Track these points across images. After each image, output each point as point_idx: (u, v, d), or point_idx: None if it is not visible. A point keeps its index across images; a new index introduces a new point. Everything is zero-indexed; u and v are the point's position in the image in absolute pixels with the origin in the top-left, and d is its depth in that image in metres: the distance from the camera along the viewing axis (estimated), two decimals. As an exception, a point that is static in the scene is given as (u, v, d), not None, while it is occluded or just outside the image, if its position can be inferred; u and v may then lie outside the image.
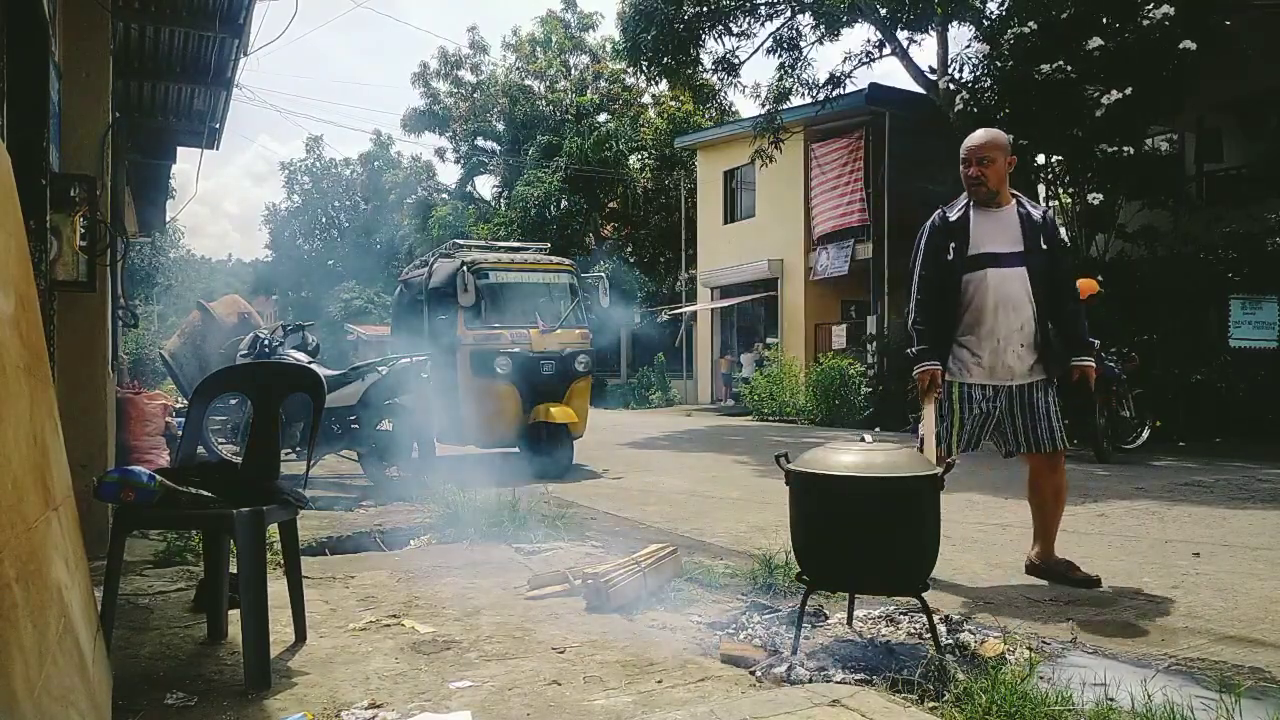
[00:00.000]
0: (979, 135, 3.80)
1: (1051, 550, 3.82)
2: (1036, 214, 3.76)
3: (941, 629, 2.83)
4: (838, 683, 2.44)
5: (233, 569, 2.91)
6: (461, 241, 10.13)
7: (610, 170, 28.08)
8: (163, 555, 4.19)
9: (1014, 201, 3.78)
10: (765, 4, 14.92)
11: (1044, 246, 3.69)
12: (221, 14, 5.51)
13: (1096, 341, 3.73)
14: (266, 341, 7.74)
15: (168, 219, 13.12)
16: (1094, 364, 3.80)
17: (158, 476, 2.49)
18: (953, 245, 3.73)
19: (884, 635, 2.91)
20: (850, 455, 2.64)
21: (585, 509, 5.88)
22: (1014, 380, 3.67)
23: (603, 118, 30.59)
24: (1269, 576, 3.90)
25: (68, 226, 3.96)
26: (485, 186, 35.76)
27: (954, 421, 3.70)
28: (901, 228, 17.53)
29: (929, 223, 3.88)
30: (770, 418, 16.69)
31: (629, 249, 28.94)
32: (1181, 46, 10.27)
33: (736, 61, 15.47)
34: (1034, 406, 3.66)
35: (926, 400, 3.65)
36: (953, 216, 3.79)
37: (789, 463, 2.75)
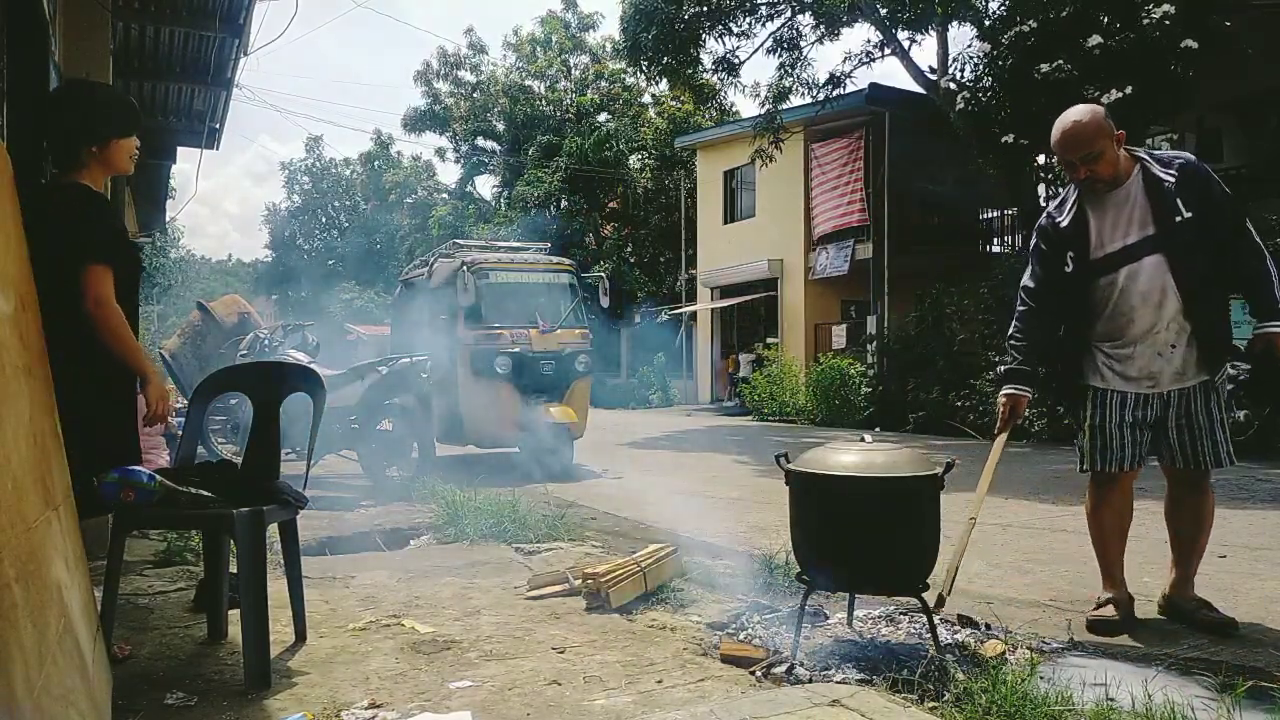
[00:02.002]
0: (1075, 128, 3.02)
1: (1187, 584, 3.17)
2: (1169, 176, 3.01)
3: (941, 629, 2.83)
4: (838, 683, 2.44)
5: (233, 569, 2.91)
6: (461, 241, 10.13)
7: (610, 170, 28.08)
8: (163, 555, 4.19)
9: (1137, 168, 3.07)
10: (765, 4, 14.92)
11: (1188, 213, 2.95)
12: (221, 14, 5.53)
13: None
14: (266, 341, 7.75)
15: (168, 219, 13.14)
16: None
17: (158, 476, 2.49)
18: (1071, 255, 3.12)
19: (884, 635, 2.91)
20: (850, 455, 2.64)
21: (585, 509, 5.88)
22: (1162, 387, 3.05)
23: (603, 118, 30.61)
24: (1269, 576, 3.90)
25: (68, 226, 3.95)
26: (485, 186, 35.80)
27: (1086, 429, 3.16)
28: (901, 228, 17.59)
29: (1036, 226, 3.32)
30: (770, 418, 16.69)
31: (629, 249, 28.94)
32: (1183, 46, 10.28)
33: (736, 61, 15.47)
34: (1193, 416, 3.03)
35: (1001, 428, 3.24)
36: (1064, 221, 3.15)
37: (789, 463, 2.75)
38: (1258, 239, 3.01)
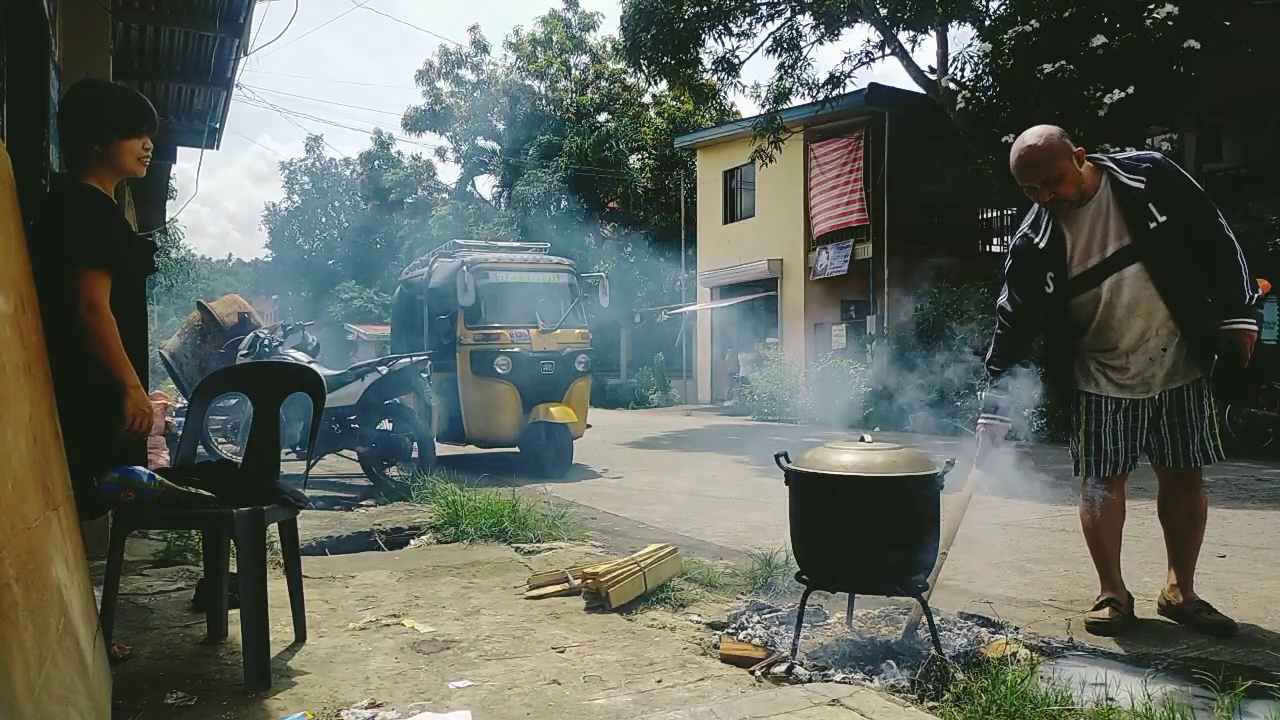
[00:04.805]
0: (1030, 153, 2.96)
1: (1187, 586, 3.15)
2: (1138, 182, 2.95)
3: (941, 628, 2.83)
4: (837, 683, 2.44)
5: (233, 569, 2.91)
6: (461, 241, 10.13)
7: (610, 170, 28.07)
8: (163, 555, 4.19)
9: (1104, 179, 3.02)
10: (765, 4, 14.92)
11: (1162, 217, 2.91)
12: (221, 14, 5.53)
13: (1256, 293, 2.91)
14: (266, 341, 7.74)
15: (168, 219, 13.14)
16: (1252, 328, 2.91)
17: (158, 476, 2.49)
18: (1051, 276, 3.06)
19: (884, 635, 2.91)
20: (850, 455, 2.64)
21: (585, 509, 5.88)
22: (1155, 390, 3.03)
23: (603, 117, 30.61)
24: (1269, 576, 3.90)
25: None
26: (485, 186, 35.80)
27: (1081, 435, 3.13)
28: (901, 228, 17.60)
29: (1013, 247, 3.24)
30: (770, 418, 16.69)
31: (629, 249, 28.95)
32: (1184, 46, 10.29)
33: (736, 61, 15.47)
34: (1185, 415, 3.01)
35: (978, 458, 3.17)
36: (1041, 242, 3.08)
37: (789, 463, 2.75)
38: (1229, 232, 2.96)
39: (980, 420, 3.20)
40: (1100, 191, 3.01)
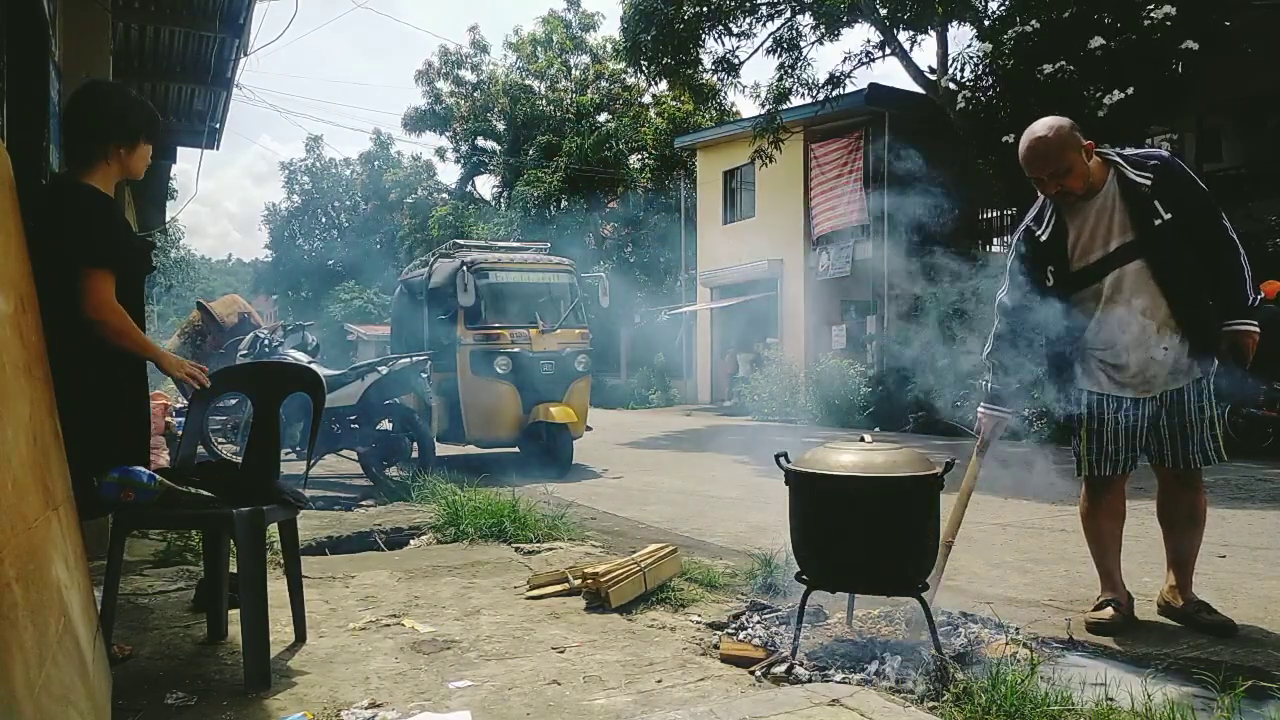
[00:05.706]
0: (1039, 145, 2.96)
1: (1186, 587, 3.15)
2: (1145, 179, 2.94)
3: (941, 628, 2.82)
4: (837, 683, 2.44)
5: (233, 569, 2.91)
6: (461, 241, 10.14)
7: (610, 170, 28.07)
8: (163, 555, 4.19)
9: (1111, 173, 3.01)
10: (765, 4, 14.91)
11: (1167, 215, 2.90)
12: (221, 14, 5.53)
13: (1259, 295, 2.94)
14: (266, 341, 7.74)
15: (168, 219, 13.15)
16: (1255, 330, 2.93)
17: (158, 476, 2.49)
18: (1051, 270, 3.07)
19: (884, 635, 2.91)
20: (850, 455, 2.64)
21: (585, 509, 5.88)
22: (1156, 389, 3.02)
23: (603, 118, 30.60)
24: (1269, 576, 3.90)
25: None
26: (485, 186, 35.81)
27: (1083, 434, 3.11)
28: (901, 228, 17.59)
29: (1015, 240, 3.26)
30: (770, 418, 16.69)
31: (629, 249, 28.93)
32: (1183, 46, 10.29)
33: (736, 61, 15.45)
34: (1185, 415, 3.00)
35: (979, 448, 3.18)
36: (1044, 235, 3.10)
37: (789, 463, 2.75)
38: (1232, 234, 2.96)
39: (981, 409, 3.21)
40: (1106, 186, 3.00)
